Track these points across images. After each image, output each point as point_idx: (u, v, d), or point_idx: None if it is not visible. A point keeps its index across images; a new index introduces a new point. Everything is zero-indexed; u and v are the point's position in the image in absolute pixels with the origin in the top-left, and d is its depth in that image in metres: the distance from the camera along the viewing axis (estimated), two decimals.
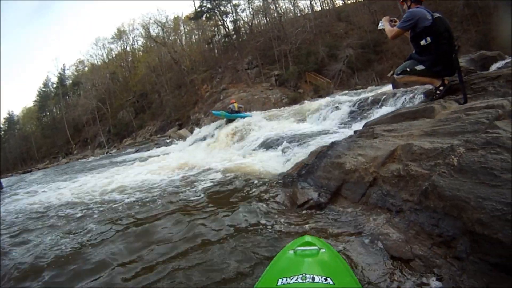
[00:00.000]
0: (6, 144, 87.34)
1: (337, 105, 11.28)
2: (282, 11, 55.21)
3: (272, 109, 21.04)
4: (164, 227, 4.25)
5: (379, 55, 34.15)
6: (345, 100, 11.44)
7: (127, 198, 6.59)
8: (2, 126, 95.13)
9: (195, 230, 3.94)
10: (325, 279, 1.49)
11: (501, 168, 2.18)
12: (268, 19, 53.57)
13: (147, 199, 6.01)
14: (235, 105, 18.42)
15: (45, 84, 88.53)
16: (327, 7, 54.93)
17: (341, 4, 54.16)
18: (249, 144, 11.12)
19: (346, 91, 22.63)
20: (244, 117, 16.26)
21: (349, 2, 52.44)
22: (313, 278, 1.49)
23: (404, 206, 2.77)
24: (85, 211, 5.91)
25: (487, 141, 2.49)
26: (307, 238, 2.11)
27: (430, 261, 2.28)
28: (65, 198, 7.75)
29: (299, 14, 54.90)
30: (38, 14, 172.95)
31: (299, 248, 1.90)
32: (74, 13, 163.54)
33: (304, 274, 1.51)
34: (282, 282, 1.52)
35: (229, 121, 16.93)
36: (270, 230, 3.54)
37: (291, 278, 1.52)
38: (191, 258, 3.22)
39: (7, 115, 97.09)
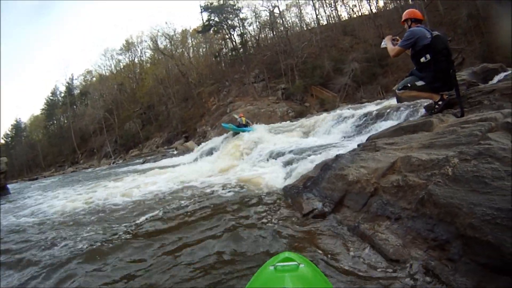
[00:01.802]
0: (13, 151, 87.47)
1: (342, 119, 11.34)
2: (289, 25, 55.48)
3: (278, 123, 21.08)
4: (166, 237, 4.36)
5: (384, 68, 34.11)
6: (350, 114, 11.43)
7: (130, 205, 6.93)
8: (9, 132, 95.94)
9: (195, 239, 4.10)
10: None
11: (492, 176, 2.34)
12: (274, 33, 53.71)
13: (149, 212, 6.07)
14: (243, 119, 18.54)
15: (53, 93, 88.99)
16: (333, 21, 54.93)
17: (346, 18, 54.15)
18: (255, 157, 11.17)
19: (352, 105, 22.66)
20: (247, 131, 16.44)
21: (354, 16, 52.38)
22: None
23: (402, 213, 2.91)
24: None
25: (479, 152, 2.65)
26: (287, 254, 2.12)
27: (426, 263, 2.44)
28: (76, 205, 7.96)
29: (305, 28, 55.02)
30: (39, 13, 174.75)
31: (279, 264, 1.89)
32: (83, 24, 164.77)
33: None
34: None
35: (236, 134, 17.07)
36: (275, 238, 3.67)
37: None
38: (180, 268, 3.35)
39: (15, 122, 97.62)
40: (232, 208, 5.39)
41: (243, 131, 16.68)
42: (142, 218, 5.51)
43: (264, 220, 4.36)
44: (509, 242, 1.94)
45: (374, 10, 46.00)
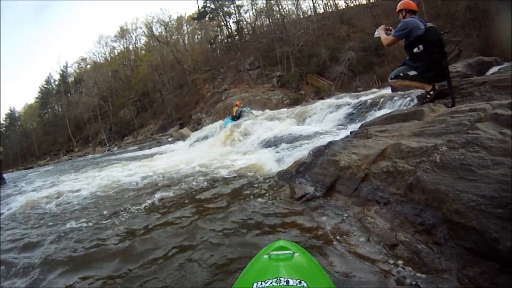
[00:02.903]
0: (7, 140, 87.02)
1: (336, 107, 11.38)
2: (285, 12, 55.09)
3: (273, 110, 21.08)
4: (157, 224, 4.41)
5: (381, 58, 34.05)
6: (345, 102, 11.49)
7: (131, 191, 6.92)
8: (3, 122, 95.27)
9: (186, 225, 4.15)
10: (300, 282, 1.55)
11: (478, 164, 2.44)
12: (271, 21, 53.31)
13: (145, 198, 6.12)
14: (235, 109, 18.68)
15: (47, 81, 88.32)
16: (330, 10, 54.75)
17: (343, 7, 53.95)
18: (250, 144, 11.26)
19: (347, 93, 22.65)
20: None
21: (352, 5, 52.17)
22: (288, 281, 1.54)
23: (391, 198, 3.00)
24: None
25: (467, 141, 2.75)
26: (281, 242, 2.14)
27: (412, 246, 2.53)
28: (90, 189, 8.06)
29: (301, 16, 54.83)
30: (39, 13, 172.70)
31: (273, 252, 1.92)
32: (76, 11, 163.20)
33: (279, 278, 1.56)
34: (257, 285, 1.57)
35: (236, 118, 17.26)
36: (268, 222, 3.74)
37: (266, 282, 1.57)
38: (178, 255, 3.37)
39: (9, 111, 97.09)
40: (226, 193, 5.44)
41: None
42: (138, 206, 5.54)
43: (258, 205, 4.37)
44: (492, 228, 2.03)
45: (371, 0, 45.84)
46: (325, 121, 11.01)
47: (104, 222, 4.81)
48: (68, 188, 8.92)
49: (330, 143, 5.03)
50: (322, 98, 25.36)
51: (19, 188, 13.54)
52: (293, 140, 8.92)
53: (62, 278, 3.25)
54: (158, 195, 5.99)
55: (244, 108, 19.08)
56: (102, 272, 3.22)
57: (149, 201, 5.64)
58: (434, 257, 2.33)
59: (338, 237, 3.10)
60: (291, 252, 1.87)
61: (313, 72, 37.77)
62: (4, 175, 21.11)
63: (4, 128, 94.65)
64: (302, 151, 6.78)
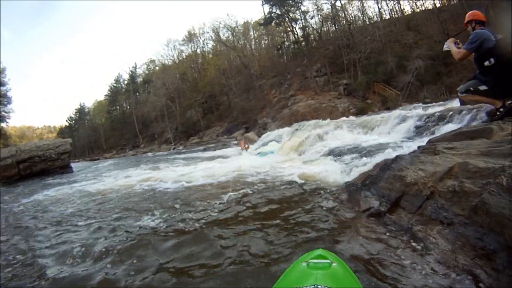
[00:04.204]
0: (76, 133, 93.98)
1: (404, 119, 11.23)
2: (351, 18, 54.30)
3: (339, 119, 20.80)
4: (214, 223, 4.73)
5: (449, 67, 32.69)
6: (413, 114, 11.31)
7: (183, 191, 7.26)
8: (73, 116, 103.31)
9: (247, 228, 4.35)
10: None
11: None
12: (337, 27, 52.71)
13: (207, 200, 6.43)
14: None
15: (117, 80, 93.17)
16: (396, 15, 53.35)
17: (410, 12, 52.33)
18: (315, 153, 11.19)
19: (415, 104, 22.10)
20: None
21: (418, 10, 50.51)
22: None
23: (455, 219, 2.96)
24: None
25: None
26: (320, 251, 2.15)
27: (471, 271, 2.50)
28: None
29: (367, 22, 53.76)
30: (106, 18, 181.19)
31: (311, 260, 1.93)
32: (145, 14, 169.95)
33: (316, 285, 1.55)
34: None
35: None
36: (328, 233, 3.84)
37: None
38: (224, 257, 3.54)
39: (79, 106, 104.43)
40: (289, 201, 5.55)
41: None
42: (203, 206, 5.82)
43: (320, 216, 4.49)
44: None
45: (438, 4, 44.30)
46: (392, 132, 10.91)
47: (171, 216, 5.10)
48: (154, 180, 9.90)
49: (398, 157, 4.99)
50: (388, 109, 24.96)
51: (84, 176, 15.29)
52: (359, 151, 8.88)
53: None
54: (221, 197, 6.31)
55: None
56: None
57: (215, 202, 5.96)
58: (492, 284, 2.30)
59: (397, 254, 3.09)
60: (329, 262, 1.90)
61: (380, 81, 36.73)
62: (72, 165, 24.00)
63: (73, 122, 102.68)
64: (368, 163, 6.77)
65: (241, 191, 6.91)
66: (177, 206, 6.10)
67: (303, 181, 7.17)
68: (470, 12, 5.71)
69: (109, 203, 7.33)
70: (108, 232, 4.87)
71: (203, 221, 4.94)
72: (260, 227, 4.32)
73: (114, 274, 3.38)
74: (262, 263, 3.30)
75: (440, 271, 2.70)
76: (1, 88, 66.13)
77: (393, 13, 54.59)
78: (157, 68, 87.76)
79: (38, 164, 22.08)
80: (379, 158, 6.85)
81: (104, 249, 4.08)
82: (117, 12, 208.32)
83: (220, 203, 5.95)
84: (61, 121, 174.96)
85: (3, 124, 67.26)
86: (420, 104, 22.87)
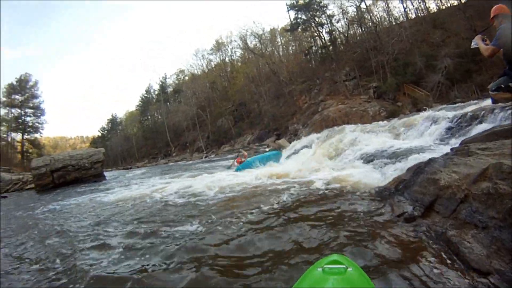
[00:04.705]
0: (109, 143, 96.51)
1: (435, 120, 11.11)
2: (377, 20, 53.75)
3: (369, 124, 20.43)
4: (251, 228, 4.77)
5: (479, 64, 31.94)
6: (444, 115, 11.14)
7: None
8: (105, 126, 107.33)
9: (278, 230, 4.48)
10: None
11: None
12: (363, 29, 52.38)
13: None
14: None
15: (148, 91, 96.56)
16: (421, 14, 52.47)
17: (435, 10, 51.38)
18: (347, 158, 11.18)
19: (445, 105, 21.74)
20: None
21: (443, 7, 49.53)
22: None
23: (490, 222, 2.90)
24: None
25: None
26: (335, 256, 2.17)
27: (506, 276, 2.45)
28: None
29: (394, 23, 53.05)
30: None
31: (327, 266, 1.93)
32: (172, 25, 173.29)
33: None
34: None
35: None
36: (360, 238, 3.85)
37: None
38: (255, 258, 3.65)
39: (111, 117, 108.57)
40: (321, 206, 5.56)
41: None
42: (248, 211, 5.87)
43: (353, 221, 4.49)
44: None
45: (463, 0, 43.41)
46: (424, 135, 10.78)
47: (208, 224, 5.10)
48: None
49: (430, 160, 4.95)
50: (419, 110, 24.61)
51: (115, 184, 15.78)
52: (390, 155, 8.83)
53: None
54: (254, 204, 6.42)
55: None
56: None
57: (248, 208, 6.03)
58: None
59: (430, 260, 3.06)
60: (344, 267, 1.90)
61: (409, 82, 36.26)
62: (105, 173, 25.59)
63: (106, 132, 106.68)
64: (400, 168, 6.73)
65: (273, 196, 7.07)
66: (212, 211, 6.26)
67: (335, 187, 7.18)
68: (495, 6, 5.54)
69: (142, 209, 7.72)
70: (142, 234, 5.15)
71: (233, 223, 5.13)
72: (289, 231, 4.41)
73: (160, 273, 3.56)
74: (286, 265, 3.38)
75: (475, 276, 2.67)
76: (34, 100, 71.40)
77: (418, 11, 53.89)
78: (186, 78, 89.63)
79: (71, 172, 23.16)
80: (411, 162, 6.73)
81: (142, 249, 4.38)
82: (146, 23, 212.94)
83: (252, 209, 6.03)
84: (94, 132, 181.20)
85: (37, 135, 73.27)
86: (451, 104, 22.52)
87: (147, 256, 4.13)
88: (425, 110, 20.52)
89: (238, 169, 14.92)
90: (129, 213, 7.31)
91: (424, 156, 6.68)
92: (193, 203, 7.54)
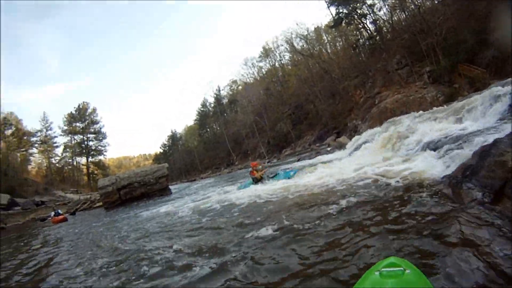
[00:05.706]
0: (171, 157, 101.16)
1: (495, 98, 10.69)
2: (419, 1, 52.35)
3: (429, 110, 19.87)
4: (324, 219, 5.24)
5: None
6: (504, 92, 10.63)
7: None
8: (166, 142, 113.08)
9: (338, 227, 4.77)
10: None
11: None
12: (406, 14, 51.07)
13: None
14: (258, 174, 14.97)
15: (203, 105, 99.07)
16: None
17: None
18: (409, 147, 11.15)
19: (505, 80, 21.02)
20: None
21: None
22: None
23: None
24: None
25: None
26: (392, 259, 2.15)
27: None
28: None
29: (436, 1, 51.34)
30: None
31: (384, 269, 1.95)
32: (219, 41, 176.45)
33: None
34: None
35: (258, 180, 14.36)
36: (429, 231, 3.87)
37: None
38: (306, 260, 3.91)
39: (171, 133, 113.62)
40: (386, 201, 5.71)
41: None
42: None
43: (415, 218, 4.41)
44: None
45: None
46: (486, 116, 10.45)
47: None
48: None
49: (496, 141, 4.87)
50: (478, 90, 23.83)
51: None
52: (453, 140, 8.61)
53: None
54: (329, 200, 6.80)
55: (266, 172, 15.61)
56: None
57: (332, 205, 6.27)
58: None
59: (505, 248, 2.98)
60: (402, 269, 1.92)
61: (463, 61, 34.82)
62: (170, 187, 27.38)
63: (167, 148, 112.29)
64: (465, 153, 6.59)
65: (334, 196, 7.31)
66: (284, 216, 6.59)
67: (398, 179, 7.25)
68: None
69: (210, 217, 8.67)
70: (215, 235, 6.12)
71: (296, 221, 5.60)
72: (355, 229, 4.57)
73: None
74: (350, 266, 3.52)
75: None
76: (95, 126, 79.22)
77: None
78: (239, 87, 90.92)
79: (137, 189, 25.02)
80: (476, 145, 6.43)
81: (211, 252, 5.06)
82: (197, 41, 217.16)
83: (324, 208, 6.31)
84: (155, 149, 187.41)
85: (101, 157, 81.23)
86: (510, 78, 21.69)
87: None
88: (478, 91, 19.80)
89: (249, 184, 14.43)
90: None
91: (489, 138, 6.39)
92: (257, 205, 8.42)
